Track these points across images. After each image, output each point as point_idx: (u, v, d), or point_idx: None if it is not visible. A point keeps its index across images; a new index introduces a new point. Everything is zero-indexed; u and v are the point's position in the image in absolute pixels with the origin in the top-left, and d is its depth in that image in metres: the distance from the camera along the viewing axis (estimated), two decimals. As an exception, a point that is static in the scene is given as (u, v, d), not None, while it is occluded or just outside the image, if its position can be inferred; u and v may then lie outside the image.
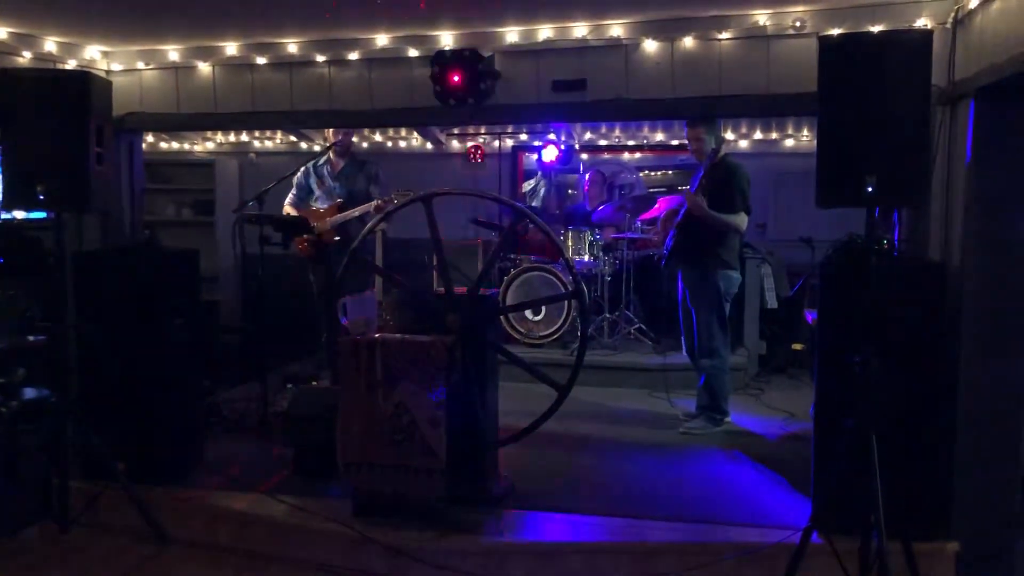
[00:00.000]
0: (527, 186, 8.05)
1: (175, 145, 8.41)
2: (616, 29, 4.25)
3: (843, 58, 2.85)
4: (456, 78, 4.29)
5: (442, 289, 3.74)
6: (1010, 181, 3.34)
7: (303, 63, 4.74)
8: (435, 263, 3.89)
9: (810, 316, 5.63)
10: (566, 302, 6.36)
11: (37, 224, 5.50)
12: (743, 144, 7.61)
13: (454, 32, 4.46)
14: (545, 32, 4.37)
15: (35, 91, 3.61)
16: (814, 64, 2.92)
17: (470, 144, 8.16)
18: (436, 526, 3.44)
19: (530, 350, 6.29)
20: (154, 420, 3.93)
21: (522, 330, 6.52)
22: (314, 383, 5.20)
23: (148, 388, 3.94)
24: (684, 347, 5.16)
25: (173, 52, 4.87)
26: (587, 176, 7.60)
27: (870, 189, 2.78)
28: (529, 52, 4.42)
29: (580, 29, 4.30)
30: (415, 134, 8.01)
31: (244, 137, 8.23)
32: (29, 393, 4.13)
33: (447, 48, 4.39)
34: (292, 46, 4.70)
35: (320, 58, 4.69)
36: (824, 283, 3.44)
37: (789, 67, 4.04)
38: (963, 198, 3.44)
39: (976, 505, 3.35)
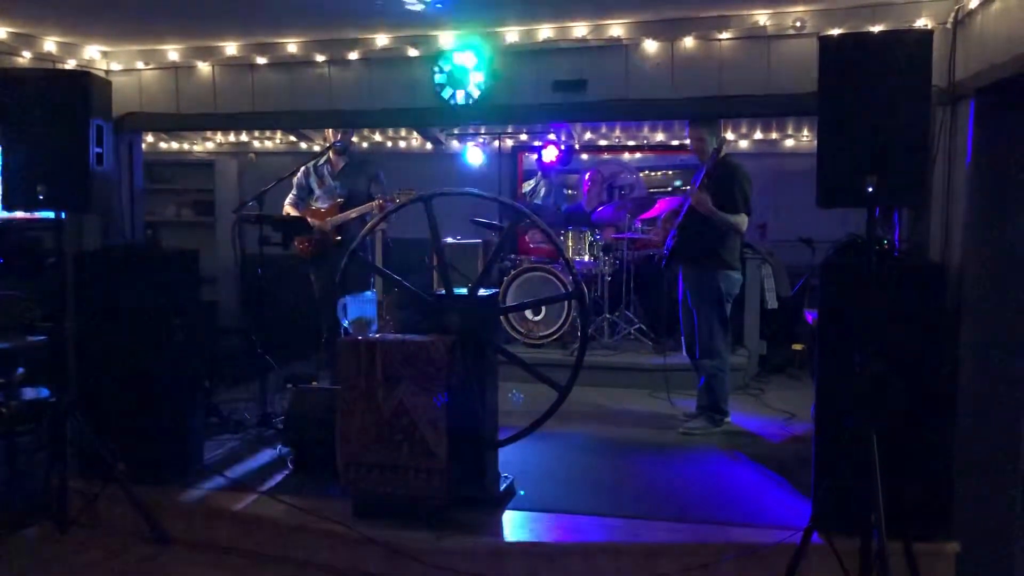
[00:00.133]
0: (527, 186, 8.05)
1: (175, 145, 8.41)
2: (616, 29, 4.25)
3: (843, 58, 2.85)
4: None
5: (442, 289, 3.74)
6: (1010, 181, 3.34)
7: (303, 63, 4.74)
8: (435, 263, 3.89)
9: (810, 316, 5.62)
10: (566, 302, 6.36)
11: (37, 224, 5.52)
12: (743, 144, 7.60)
13: (454, 32, 4.46)
14: (545, 32, 4.37)
15: (35, 91, 3.62)
16: (814, 64, 2.92)
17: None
18: (436, 527, 3.43)
19: (530, 350, 6.29)
20: (154, 420, 3.93)
21: (522, 330, 6.52)
22: (314, 383, 5.19)
23: (148, 388, 3.94)
24: (684, 347, 5.16)
25: (173, 52, 4.87)
26: (586, 176, 7.60)
27: (870, 189, 2.78)
28: (529, 52, 4.42)
29: (580, 29, 4.30)
30: (415, 134, 8.00)
31: (244, 137, 8.23)
32: (29, 393, 4.14)
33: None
34: (292, 46, 4.70)
35: (320, 58, 4.69)
36: (824, 283, 3.43)
37: (789, 67, 4.03)
38: (963, 198, 3.44)
39: (976, 505, 3.35)
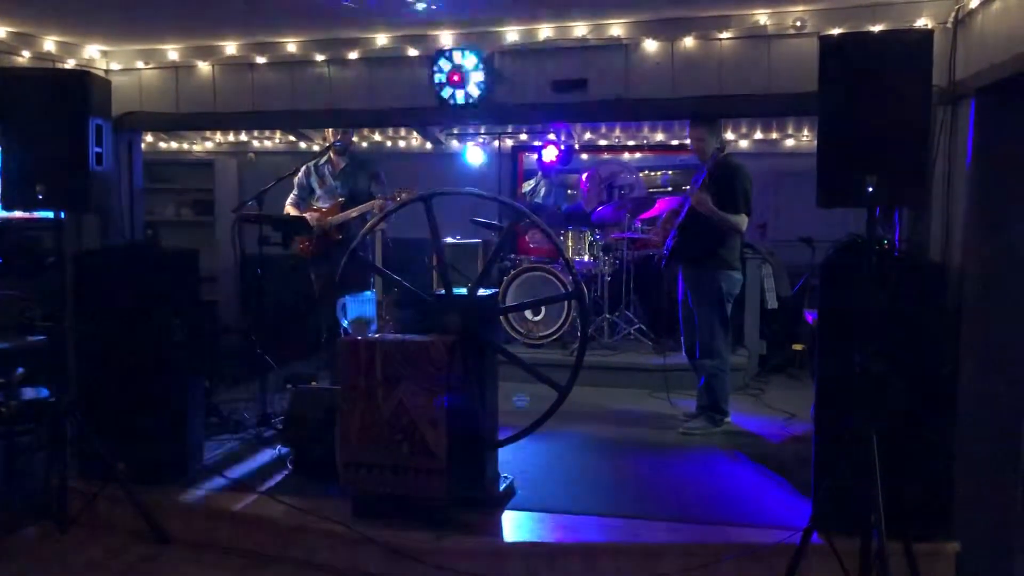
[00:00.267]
0: (527, 186, 8.04)
1: (175, 145, 8.41)
2: (616, 29, 4.25)
3: (843, 58, 2.85)
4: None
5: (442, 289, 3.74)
6: (1010, 181, 3.34)
7: (303, 63, 4.74)
8: (435, 263, 3.89)
9: (810, 316, 5.62)
10: (566, 302, 6.35)
11: (37, 224, 5.51)
12: (743, 144, 7.60)
13: (454, 32, 4.46)
14: (545, 32, 4.37)
15: (35, 91, 3.62)
16: (814, 64, 2.91)
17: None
18: (436, 527, 3.43)
19: (530, 350, 6.28)
20: (154, 420, 3.93)
21: (522, 330, 6.52)
22: (314, 383, 5.19)
23: (147, 388, 3.93)
24: (684, 347, 5.16)
25: (173, 51, 4.87)
26: (586, 176, 7.60)
27: (870, 189, 2.78)
28: (529, 52, 4.42)
29: (580, 29, 4.30)
30: (415, 134, 8.00)
31: (243, 137, 8.22)
32: (29, 393, 4.13)
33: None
34: (292, 46, 4.70)
35: (320, 58, 4.69)
36: (824, 283, 3.43)
37: (789, 67, 4.04)
38: (963, 198, 3.44)
39: (976, 505, 3.35)
